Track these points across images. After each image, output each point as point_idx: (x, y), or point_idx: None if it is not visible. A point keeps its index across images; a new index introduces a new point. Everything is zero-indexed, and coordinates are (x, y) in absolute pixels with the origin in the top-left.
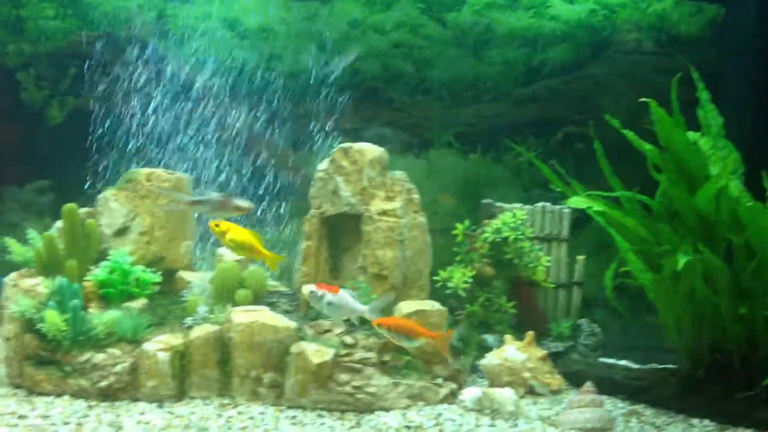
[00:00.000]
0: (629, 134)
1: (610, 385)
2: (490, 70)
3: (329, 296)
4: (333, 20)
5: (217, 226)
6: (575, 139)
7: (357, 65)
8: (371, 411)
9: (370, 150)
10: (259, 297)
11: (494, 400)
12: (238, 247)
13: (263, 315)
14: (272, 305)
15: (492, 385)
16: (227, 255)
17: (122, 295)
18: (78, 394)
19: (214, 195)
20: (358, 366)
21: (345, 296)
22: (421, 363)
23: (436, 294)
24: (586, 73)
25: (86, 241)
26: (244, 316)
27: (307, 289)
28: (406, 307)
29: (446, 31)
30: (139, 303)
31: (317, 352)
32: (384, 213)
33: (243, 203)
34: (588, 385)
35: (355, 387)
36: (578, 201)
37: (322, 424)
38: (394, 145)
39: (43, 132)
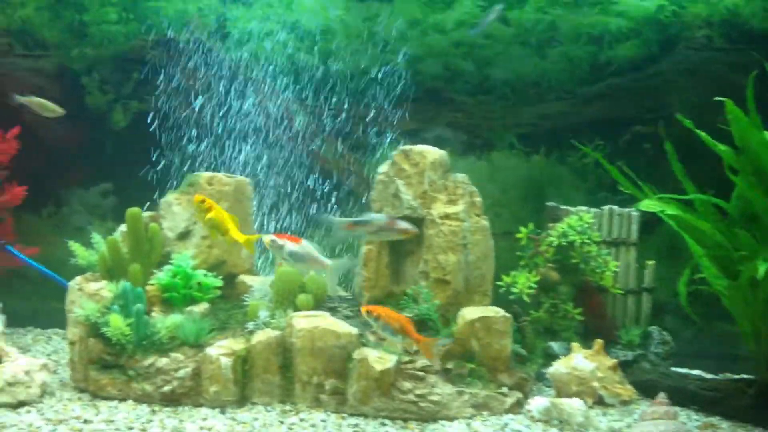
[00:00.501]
0: (702, 135)
1: (682, 396)
2: (554, 68)
3: (291, 246)
4: (393, 20)
5: (202, 201)
6: (644, 139)
7: (416, 65)
8: (435, 420)
9: (431, 152)
10: (320, 302)
11: (563, 410)
12: (214, 226)
13: (325, 320)
14: (333, 310)
15: (559, 394)
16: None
17: (185, 300)
18: (141, 398)
19: (376, 217)
20: (421, 374)
21: (308, 247)
22: (486, 371)
23: (499, 299)
24: (655, 71)
25: (149, 245)
26: (305, 321)
27: (267, 238)
28: (470, 313)
29: (508, 29)
30: (201, 307)
31: (380, 359)
32: (446, 216)
33: (407, 226)
34: (661, 396)
35: (418, 395)
36: (650, 204)
37: None
38: (454, 146)
39: (107, 136)
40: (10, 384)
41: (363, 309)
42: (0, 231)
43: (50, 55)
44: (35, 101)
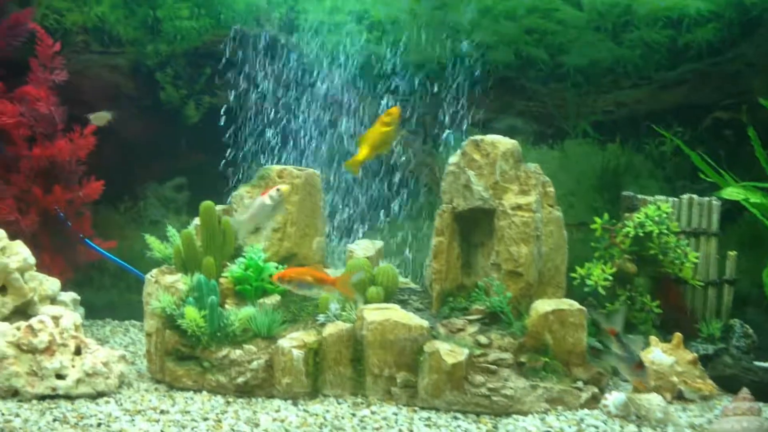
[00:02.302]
0: None
1: (766, 392)
2: (630, 53)
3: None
4: (463, 8)
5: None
6: (724, 125)
7: (488, 53)
8: (508, 414)
9: (503, 142)
10: (390, 294)
11: (641, 405)
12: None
13: (396, 313)
14: (403, 303)
15: (636, 389)
16: (357, 251)
17: (257, 292)
18: (216, 389)
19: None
20: (494, 367)
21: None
22: (560, 365)
23: (572, 292)
24: (736, 54)
25: (222, 238)
26: (376, 313)
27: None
28: (543, 305)
29: (582, 15)
30: (273, 299)
31: (451, 352)
32: (518, 207)
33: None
34: (744, 392)
35: (490, 389)
36: (733, 192)
37: (458, 426)
38: (526, 135)
39: (180, 130)
40: (89, 375)
41: (274, 278)
42: (79, 225)
43: (125, 51)
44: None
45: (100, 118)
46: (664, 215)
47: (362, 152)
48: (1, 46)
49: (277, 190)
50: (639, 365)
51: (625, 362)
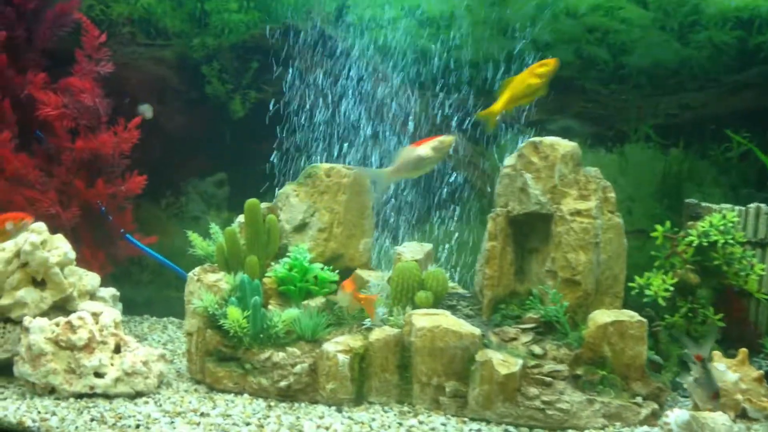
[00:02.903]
0: None
1: None
2: (698, 55)
3: None
4: (520, 5)
5: None
6: None
7: (546, 52)
8: (563, 429)
9: (563, 144)
10: (440, 299)
11: (705, 425)
12: None
13: (446, 319)
14: (452, 308)
15: (697, 406)
16: (406, 254)
17: (300, 293)
18: (257, 393)
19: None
20: (548, 379)
21: None
22: (618, 379)
23: (627, 302)
24: None
25: (267, 237)
26: (425, 319)
27: None
28: (602, 316)
29: (647, 13)
30: (317, 302)
31: (504, 362)
32: (577, 213)
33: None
34: None
35: (545, 402)
36: None
37: None
38: (582, 137)
39: (225, 125)
40: (128, 374)
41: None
42: (120, 220)
43: (172, 44)
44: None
45: (147, 110)
46: (730, 224)
47: (501, 101)
48: (47, 35)
49: (441, 141)
50: (715, 395)
51: (703, 390)
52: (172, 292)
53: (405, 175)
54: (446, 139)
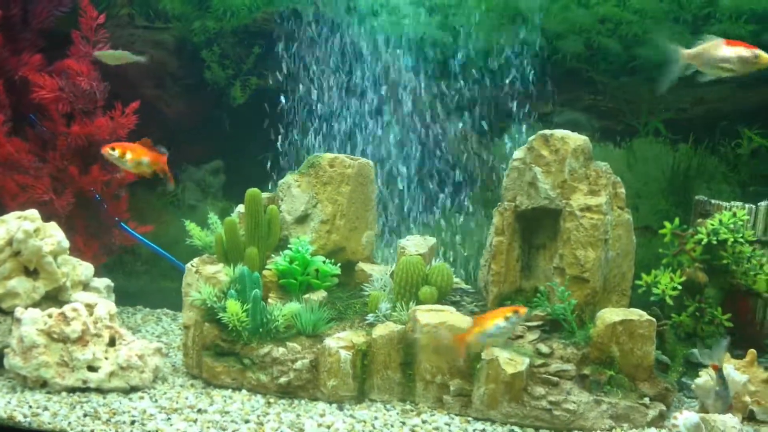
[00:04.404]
0: None
1: None
2: None
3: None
4: None
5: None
6: None
7: (556, 43)
8: (569, 430)
9: (574, 138)
10: (444, 295)
11: (715, 427)
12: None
13: (451, 316)
14: (456, 304)
15: (704, 407)
16: (410, 248)
17: (301, 287)
18: (256, 388)
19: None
20: (555, 379)
21: None
22: (626, 379)
23: (633, 300)
24: None
25: (267, 228)
26: (430, 315)
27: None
28: (610, 315)
29: (661, 5)
30: (319, 295)
31: (510, 361)
32: (587, 209)
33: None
34: None
35: (551, 402)
36: None
37: None
38: (590, 131)
39: (224, 112)
40: (123, 368)
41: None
42: (115, 208)
43: (171, 27)
44: (108, 54)
45: (111, 56)
46: (740, 223)
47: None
48: (43, 15)
49: (755, 55)
50: (731, 407)
51: (721, 401)
52: (166, 283)
53: (699, 65)
54: (763, 56)
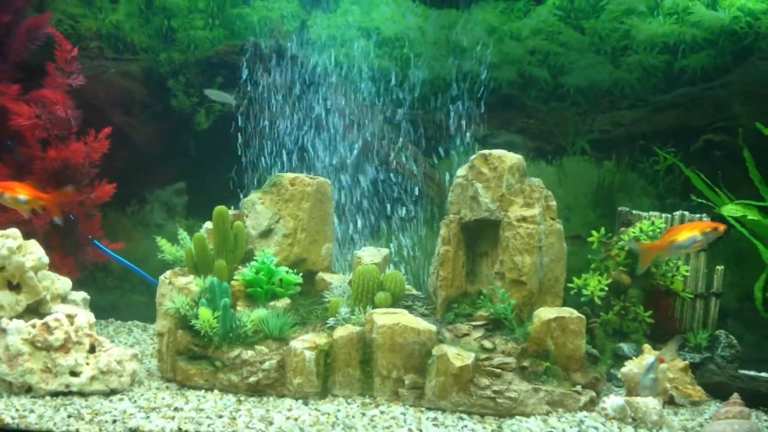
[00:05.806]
0: None
1: (752, 398)
2: (629, 76)
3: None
4: (470, 28)
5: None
6: (714, 147)
7: (492, 72)
8: (511, 416)
9: (510, 156)
10: (397, 300)
11: (638, 409)
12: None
13: (405, 317)
14: (408, 308)
15: (630, 393)
16: (365, 258)
17: (267, 295)
18: (227, 388)
19: None
20: (498, 371)
21: None
22: (560, 370)
23: (567, 301)
24: (727, 81)
25: (234, 242)
26: (386, 318)
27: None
28: (546, 313)
29: (584, 38)
30: (283, 302)
31: (458, 356)
32: (523, 219)
33: None
34: (735, 396)
35: (495, 391)
36: (732, 209)
37: (464, 426)
38: (524, 151)
39: (190, 136)
40: (103, 372)
41: None
42: (89, 227)
43: (139, 58)
44: (215, 92)
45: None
46: (658, 230)
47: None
48: (20, 49)
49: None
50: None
51: (652, 387)
52: (136, 297)
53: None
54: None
